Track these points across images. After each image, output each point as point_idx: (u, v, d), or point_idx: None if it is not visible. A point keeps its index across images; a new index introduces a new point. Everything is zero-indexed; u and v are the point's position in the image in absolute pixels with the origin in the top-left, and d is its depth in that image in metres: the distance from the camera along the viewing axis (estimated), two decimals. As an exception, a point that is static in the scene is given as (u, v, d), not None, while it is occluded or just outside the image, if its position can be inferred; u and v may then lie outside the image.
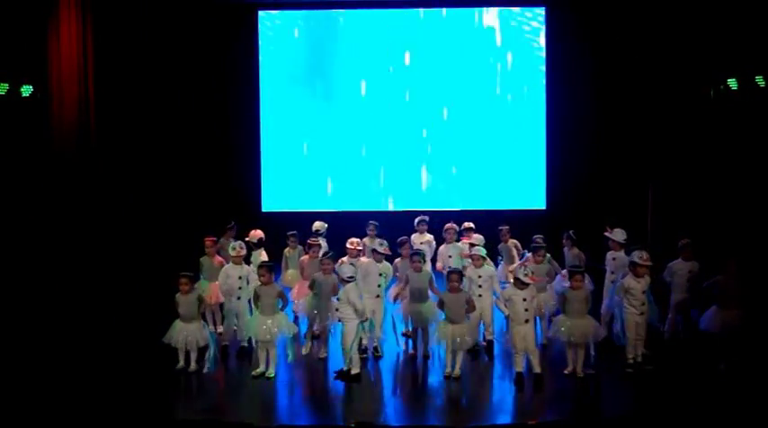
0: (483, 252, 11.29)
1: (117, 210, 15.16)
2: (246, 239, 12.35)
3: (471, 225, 12.82)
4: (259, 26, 17.07)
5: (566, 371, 10.29)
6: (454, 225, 12.61)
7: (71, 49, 14.56)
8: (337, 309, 10.38)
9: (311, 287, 10.96)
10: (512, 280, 10.44)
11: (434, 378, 10.47)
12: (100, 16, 15.06)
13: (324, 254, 11.25)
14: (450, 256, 12.24)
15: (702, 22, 15.08)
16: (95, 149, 15.02)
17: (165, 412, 9.40)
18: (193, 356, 10.48)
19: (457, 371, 10.18)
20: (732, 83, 14.60)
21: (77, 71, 14.68)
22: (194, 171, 16.67)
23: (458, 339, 10.05)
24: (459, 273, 10.38)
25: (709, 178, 15.17)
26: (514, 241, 12.88)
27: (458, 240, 12.36)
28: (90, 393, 9.70)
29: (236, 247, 11.32)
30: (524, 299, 9.95)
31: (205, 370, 10.27)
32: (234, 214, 14.01)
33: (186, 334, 10.38)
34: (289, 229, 13.17)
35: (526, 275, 9.98)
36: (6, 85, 13.24)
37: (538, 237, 12.07)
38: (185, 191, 16.48)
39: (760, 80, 14.03)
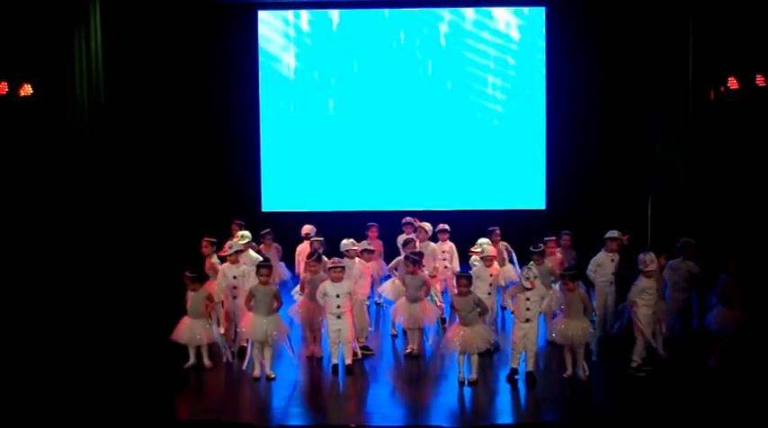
0: (492, 251, 11.41)
1: (118, 210, 15.17)
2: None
3: (411, 219, 12.93)
4: (259, 25, 16.99)
5: (565, 375, 10.24)
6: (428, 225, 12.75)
7: (73, 50, 14.61)
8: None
9: (302, 288, 11.07)
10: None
11: (433, 378, 10.51)
12: (104, 18, 15.07)
13: (309, 255, 11.27)
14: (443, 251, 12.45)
15: (704, 21, 15.01)
16: (97, 149, 15.01)
17: (165, 411, 9.42)
18: (204, 352, 10.57)
19: (473, 376, 10.06)
20: (734, 82, 14.52)
21: (79, 72, 14.71)
22: (194, 170, 16.64)
23: (468, 342, 9.92)
24: (468, 277, 10.34)
25: (711, 177, 15.07)
26: (505, 243, 12.82)
27: (435, 240, 12.46)
28: (92, 392, 9.73)
29: (232, 246, 11.34)
30: (528, 299, 10.04)
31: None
32: (233, 214, 13.97)
33: (192, 330, 10.44)
34: (289, 229, 13.26)
35: (527, 279, 10.03)
36: (8, 85, 13.31)
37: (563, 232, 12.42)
38: (185, 190, 16.47)
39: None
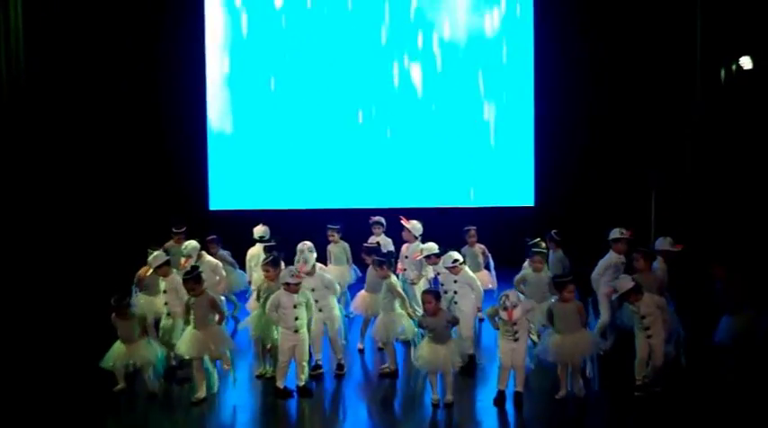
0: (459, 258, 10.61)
1: (42, 208, 14.69)
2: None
3: (381, 219, 12.69)
4: (206, 10, 16.09)
5: (557, 396, 9.50)
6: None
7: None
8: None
9: (258, 297, 10.33)
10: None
11: (405, 400, 9.93)
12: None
13: (264, 259, 10.60)
14: (406, 257, 11.93)
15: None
16: (15, 137, 14.33)
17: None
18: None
19: (448, 397, 9.37)
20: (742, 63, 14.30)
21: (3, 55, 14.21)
22: (132, 163, 15.85)
23: (439, 361, 9.28)
24: (437, 294, 9.71)
25: (715, 171, 14.75)
26: (482, 246, 12.34)
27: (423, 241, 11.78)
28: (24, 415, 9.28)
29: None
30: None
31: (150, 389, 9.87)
32: (177, 213, 13.34)
33: (129, 355, 9.81)
34: (238, 229, 12.86)
35: (505, 309, 9.27)
36: None
37: (553, 233, 11.65)
38: (121, 185, 15.77)
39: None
